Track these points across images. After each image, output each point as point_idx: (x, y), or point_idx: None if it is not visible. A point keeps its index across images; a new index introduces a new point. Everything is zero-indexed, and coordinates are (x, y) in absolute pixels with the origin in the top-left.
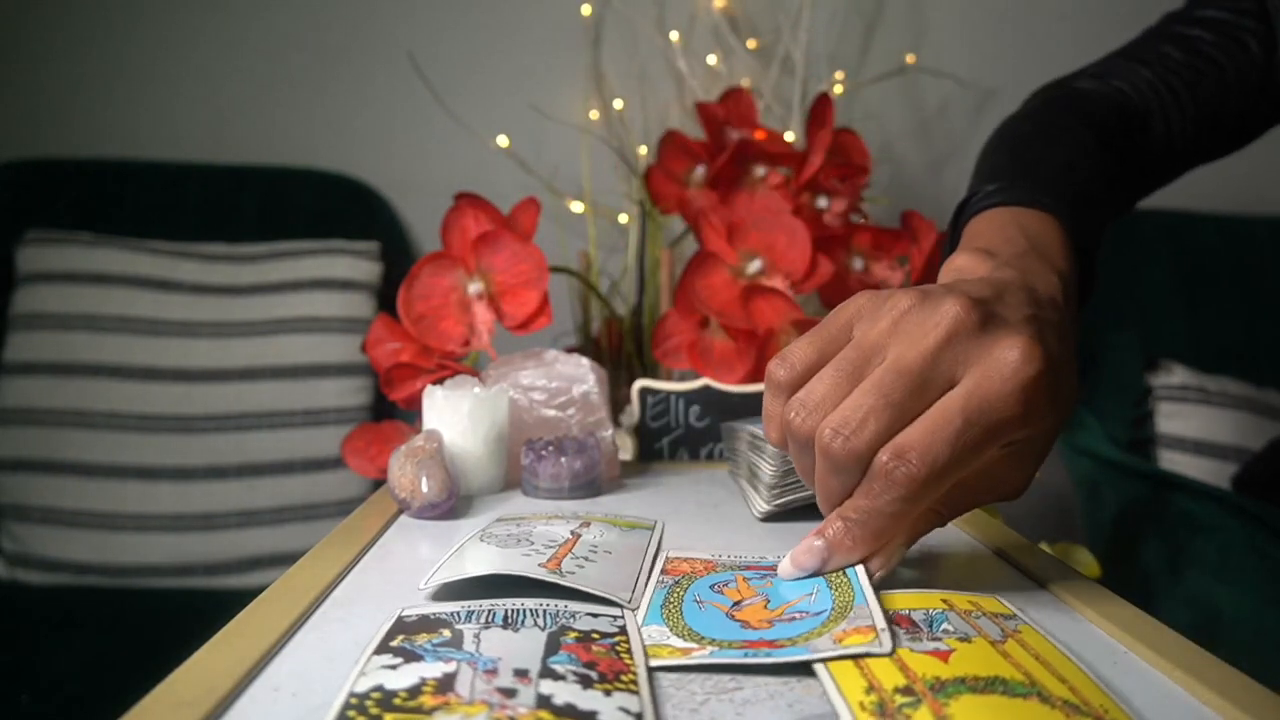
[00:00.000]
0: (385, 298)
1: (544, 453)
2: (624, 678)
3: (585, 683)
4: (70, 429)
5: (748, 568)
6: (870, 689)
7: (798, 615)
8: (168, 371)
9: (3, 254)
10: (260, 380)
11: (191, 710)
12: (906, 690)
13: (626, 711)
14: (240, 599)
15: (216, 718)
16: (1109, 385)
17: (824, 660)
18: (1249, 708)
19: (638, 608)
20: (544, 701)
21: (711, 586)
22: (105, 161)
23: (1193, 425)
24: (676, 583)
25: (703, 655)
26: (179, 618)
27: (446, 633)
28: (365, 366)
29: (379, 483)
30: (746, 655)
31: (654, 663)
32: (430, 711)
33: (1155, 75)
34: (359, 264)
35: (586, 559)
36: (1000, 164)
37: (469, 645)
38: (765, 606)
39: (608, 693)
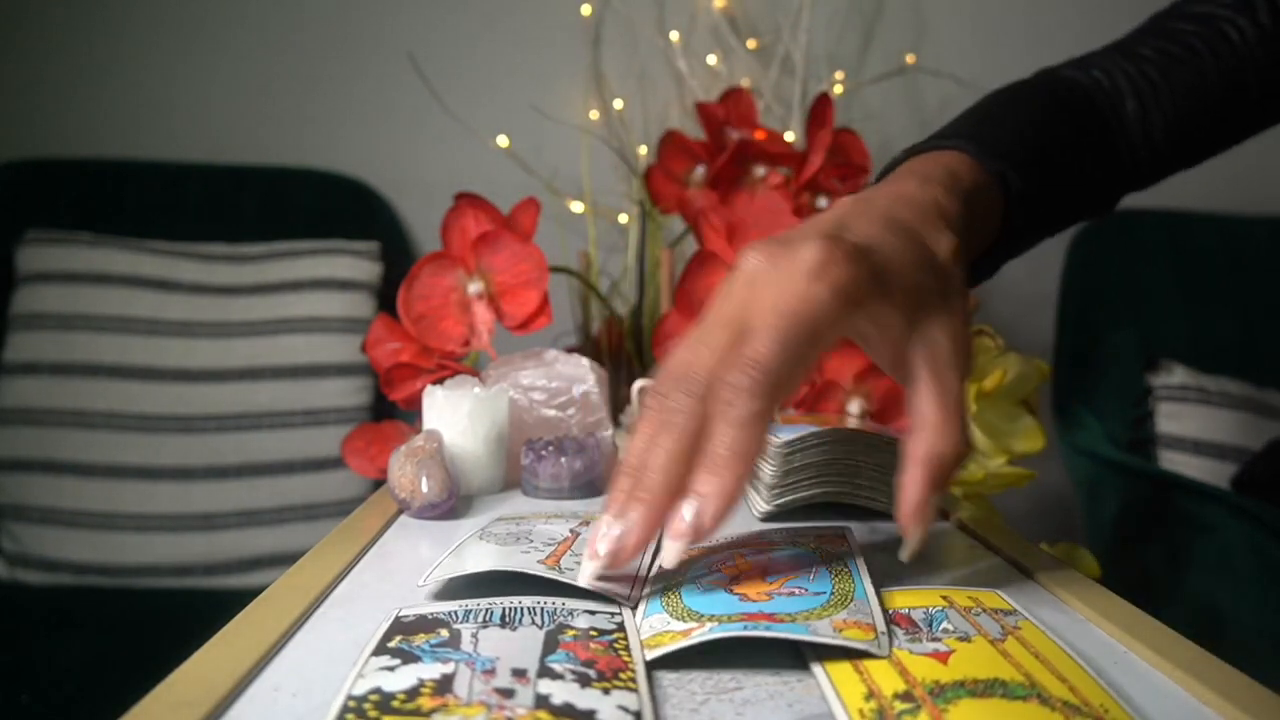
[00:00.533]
0: (385, 298)
1: (544, 453)
2: (622, 675)
3: (584, 681)
4: (70, 429)
5: (744, 545)
6: (869, 695)
7: (797, 590)
8: (168, 371)
9: (3, 254)
10: (260, 380)
11: (191, 710)
12: (906, 696)
13: (625, 710)
14: (240, 599)
15: (216, 718)
16: (1109, 385)
17: (823, 643)
18: (1249, 708)
19: (636, 605)
20: (542, 701)
21: (709, 565)
22: (105, 161)
23: (1193, 425)
24: (675, 572)
25: (703, 633)
26: (179, 618)
27: (444, 633)
28: (365, 366)
29: (379, 483)
30: (746, 628)
31: (658, 652)
32: (428, 713)
33: (1134, 66)
34: (359, 264)
35: (585, 556)
36: (945, 127)
37: (466, 645)
38: (764, 580)
39: (606, 691)
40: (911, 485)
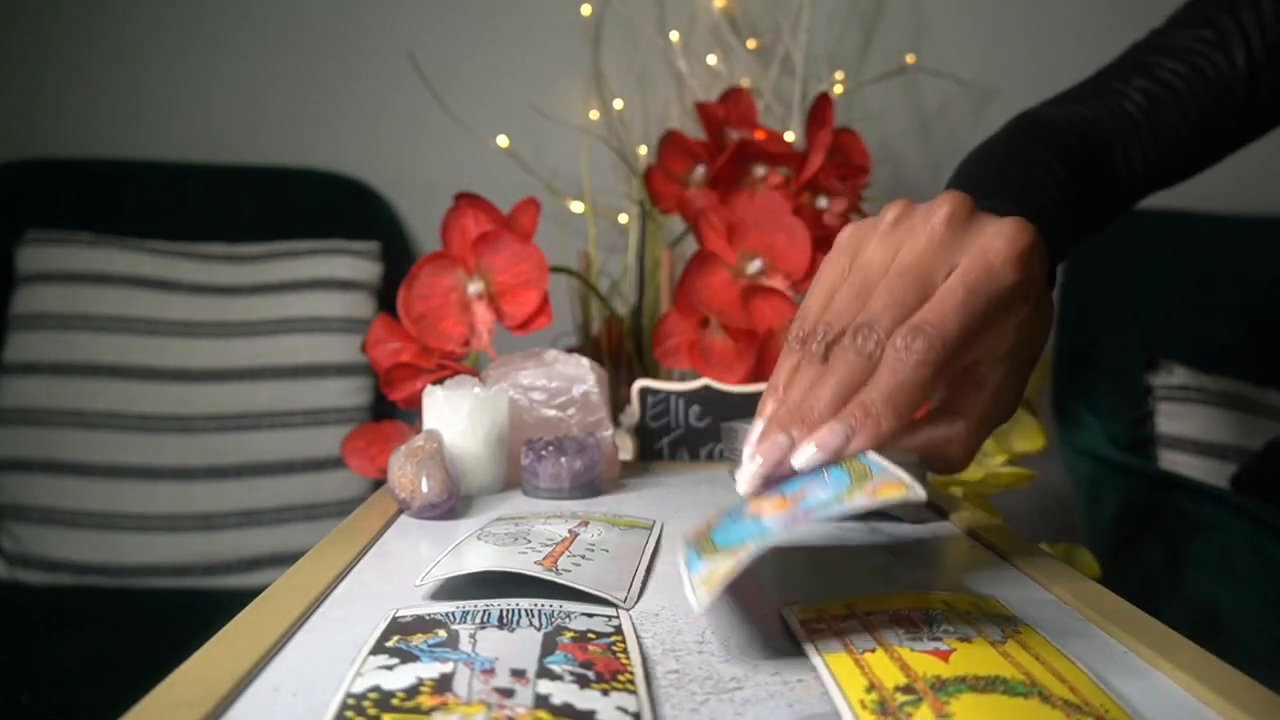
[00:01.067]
0: (385, 298)
1: (544, 453)
2: (621, 677)
3: (583, 682)
4: (70, 429)
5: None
6: (871, 687)
7: (817, 489)
8: (168, 371)
9: (3, 254)
10: (260, 380)
11: (191, 710)
12: (908, 689)
13: (624, 711)
14: (240, 599)
15: (216, 718)
16: (1109, 385)
17: (864, 508)
18: (1249, 708)
19: (633, 607)
20: (542, 701)
21: (729, 516)
22: (105, 161)
23: (1193, 425)
24: (699, 537)
25: (750, 552)
26: (179, 618)
27: (442, 633)
28: (365, 366)
29: (379, 483)
30: (787, 528)
31: (718, 586)
32: (428, 712)
33: (1114, 104)
34: (359, 264)
35: (583, 557)
36: (969, 180)
37: (465, 645)
38: (782, 499)
39: (605, 692)
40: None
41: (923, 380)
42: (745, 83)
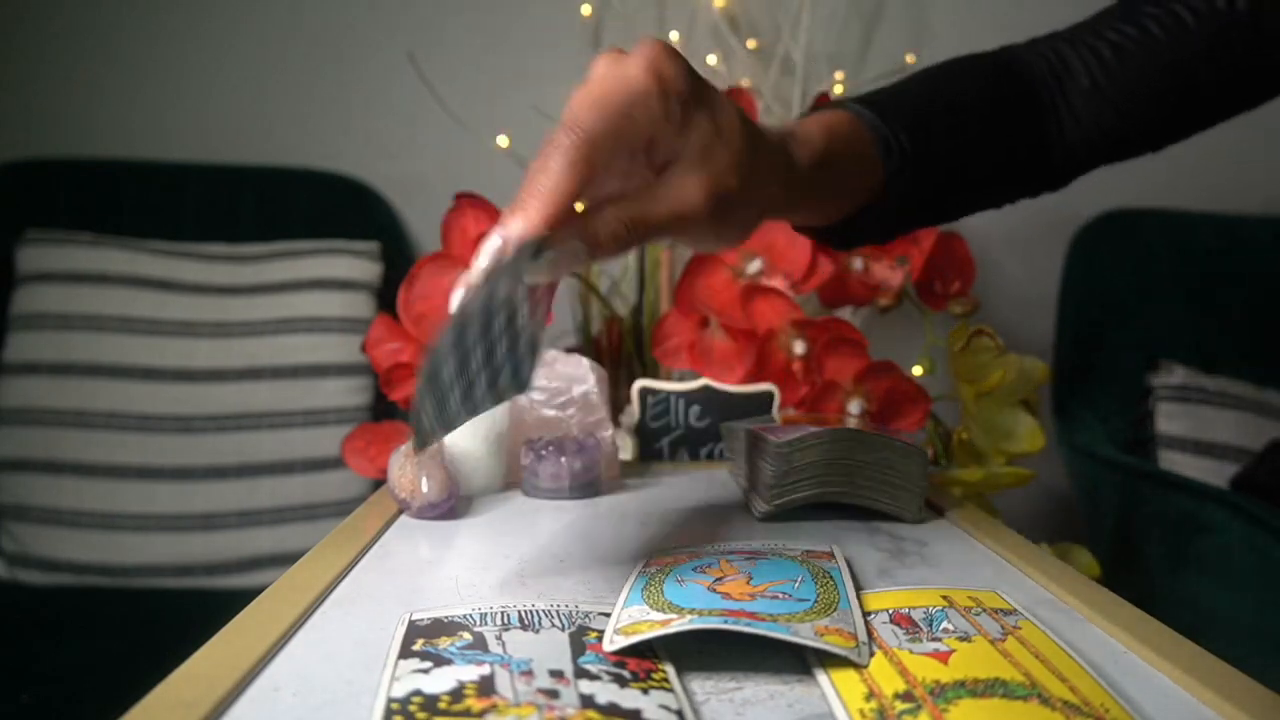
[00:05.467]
0: (385, 298)
1: (544, 453)
2: (655, 675)
3: (621, 682)
4: (70, 429)
5: (731, 552)
6: (870, 695)
7: (780, 595)
8: (168, 371)
9: (3, 254)
10: (260, 380)
11: (191, 710)
12: (906, 696)
13: (668, 709)
14: (240, 599)
15: (216, 718)
16: (1109, 385)
17: (803, 645)
18: (1249, 708)
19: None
20: (588, 701)
21: (694, 568)
22: (105, 161)
23: (1193, 425)
24: (660, 570)
25: (682, 623)
26: (179, 618)
27: (466, 635)
28: (365, 366)
29: (379, 483)
30: (726, 621)
31: (633, 639)
32: (480, 714)
33: (1091, 45)
34: (359, 264)
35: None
36: (869, 91)
37: (495, 648)
38: (748, 583)
39: (645, 691)
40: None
41: (561, 169)
42: (745, 83)
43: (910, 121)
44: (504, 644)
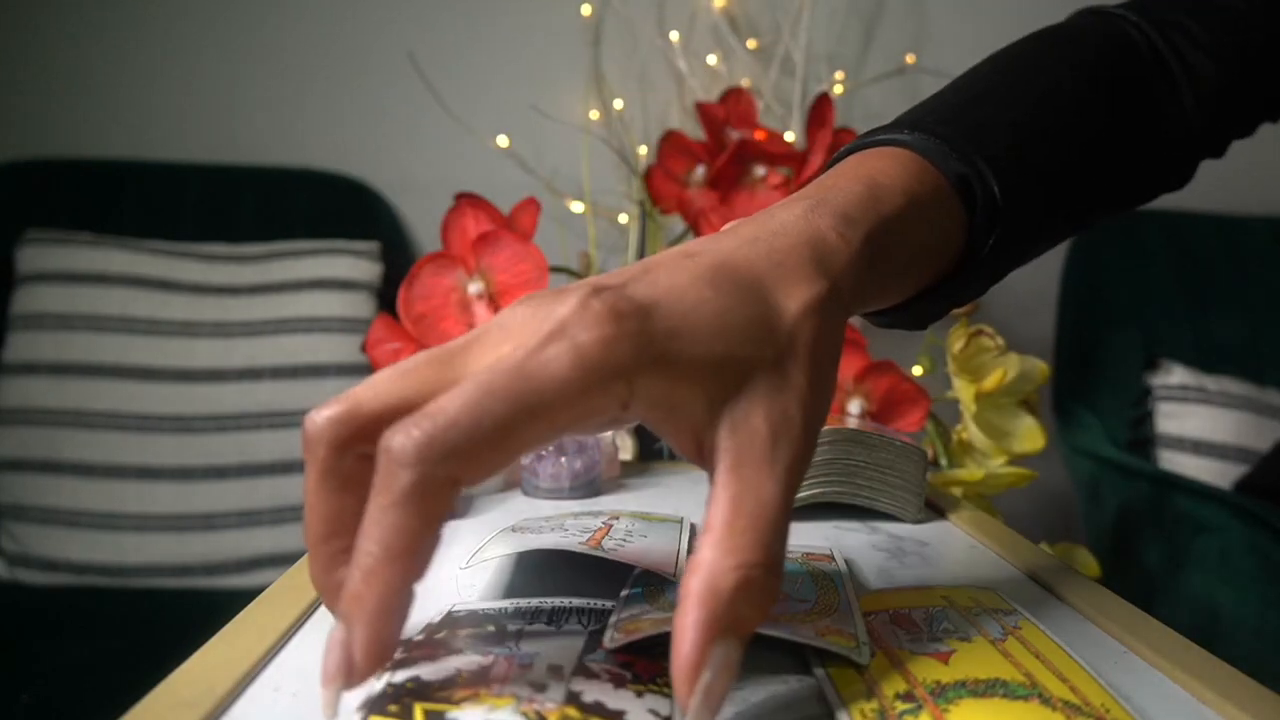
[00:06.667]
0: (385, 298)
1: (544, 453)
2: (660, 680)
3: (619, 682)
4: (70, 429)
5: None
6: (870, 694)
7: (781, 595)
8: (168, 371)
9: (3, 254)
10: (260, 380)
11: (191, 710)
12: (907, 696)
13: (655, 714)
14: (240, 599)
15: (216, 718)
16: (1109, 385)
17: (804, 644)
18: (1249, 708)
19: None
20: (573, 698)
21: None
22: (105, 161)
23: (1193, 425)
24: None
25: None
26: (179, 618)
27: (491, 628)
28: (365, 366)
29: None
30: None
31: (632, 638)
32: (459, 702)
33: (1194, 11)
34: (359, 264)
35: (624, 540)
36: (914, 108)
37: (509, 641)
38: None
39: (639, 694)
40: (682, 630)
41: (410, 485)
42: (745, 83)
43: (997, 150)
44: (520, 637)
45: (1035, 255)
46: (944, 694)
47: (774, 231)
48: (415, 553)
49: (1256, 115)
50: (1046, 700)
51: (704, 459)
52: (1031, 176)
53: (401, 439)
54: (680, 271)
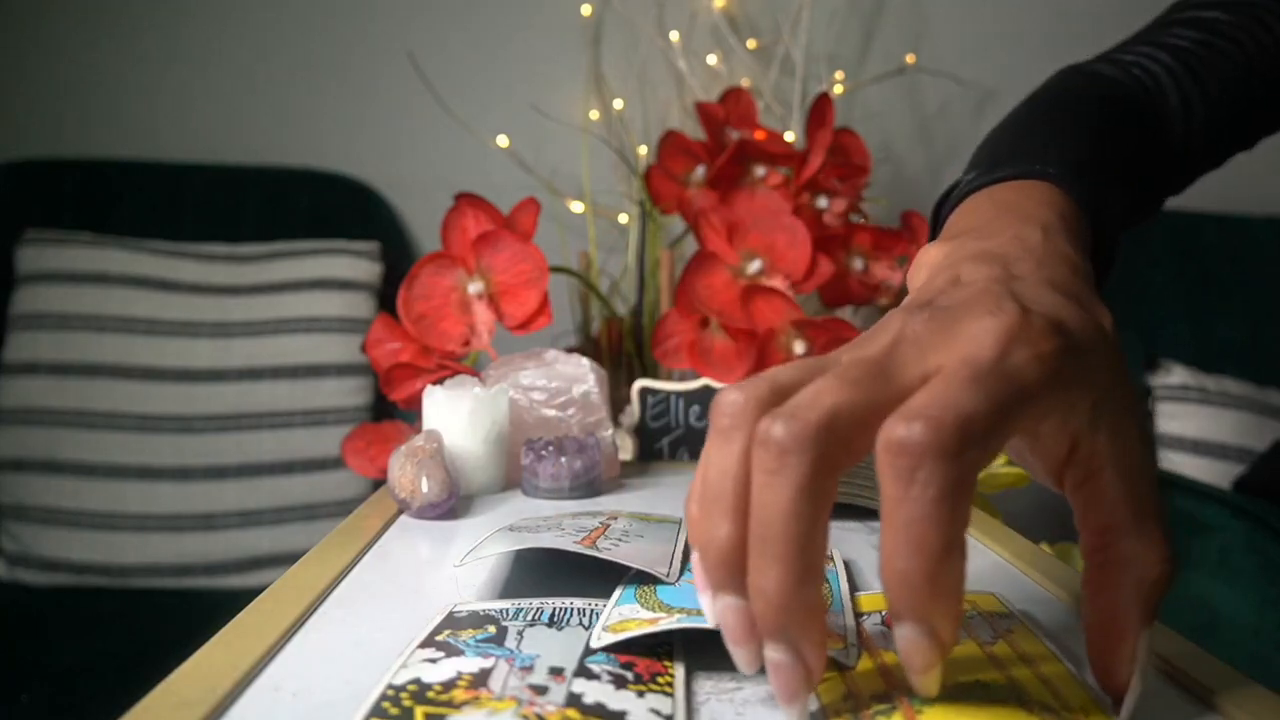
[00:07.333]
0: (385, 298)
1: (544, 453)
2: (660, 679)
3: (619, 683)
4: (70, 429)
5: None
6: (847, 695)
7: None
8: (168, 371)
9: (3, 254)
10: (260, 380)
11: (192, 710)
12: (883, 697)
13: (657, 713)
14: (240, 599)
15: (216, 717)
16: None
17: None
18: (1249, 708)
19: (677, 580)
20: (574, 700)
21: (690, 568)
22: (105, 161)
23: (1193, 425)
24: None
25: (669, 622)
26: (179, 618)
27: (492, 629)
28: (365, 366)
29: (379, 483)
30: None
31: (620, 637)
32: (460, 705)
33: (1171, 57)
34: (359, 264)
35: (620, 540)
36: (989, 148)
37: (510, 642)
38: None
39: (641, 694)
40: (1124, 622)
41: (953, 482)
42: (745, 83)
43: (1093, 179)
44: (521, 639)
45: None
46: (920, 695)
47: (1050, 253)
48: (961, 547)
49: (1227, 152)
50: (1024, 703)
51: (1062, 470)
52: (1112, 200)
53: (924, 430)
54: (1041, 284)
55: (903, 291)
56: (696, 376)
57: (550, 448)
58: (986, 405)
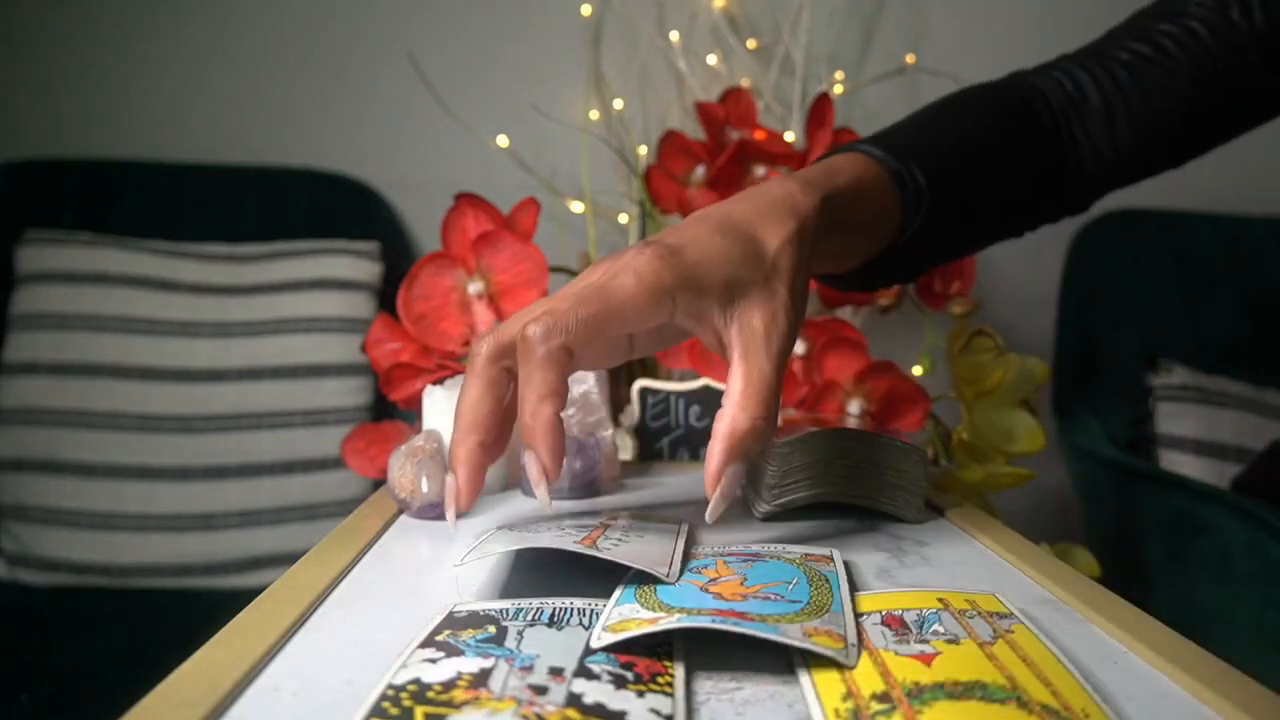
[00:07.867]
0: (385, 298)
1: None
2: (660, 679)
3: (619, 683)
4: (70, 429)
5: (729, 554)
6: (848, 695)
7: (773, 596)
8: (168, 371)
9: (3, 254)
10: (260, 380)
11: (192, 710)
12: (883, 697)
13: (657, 713)
14: (240, 599)
15: (216, 718)
16: (1109, 385)
17: (789, 645)
18: (1249, 708)
19: (677, 580)
20: (573, 700)
21: (691, 569)
22: (105, 161)
23: (1193, 425)
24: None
25: (669, 622)
26: (179, 618)
27: (492, 629)
28: (365, 366)
29: (379, 483)
30: (714, 621)
31: (619, 637)
32: (460, 705)
33: (1103, 66)
34: (359, 264)
35: (620, 540)
36: (877, 132)
37: (510, 642)
38: (741, 584)
39: (640, 694)
40: (711, 456)
41: (548, 352)
42: (745, 83)
43: (926, 161)
44: (521, 639)
45: (956, 251)
46: (920, 695)
47: (758, 194)
48: (561, 395)
49: (1154, 170)
50: (1025, 704)
51: (722, 349)
52: (947, 177)
53: (533, 328)
54: (698, 226)
55: (903, 291)
56: (696, 376)
57: None
58: (581, 312)
